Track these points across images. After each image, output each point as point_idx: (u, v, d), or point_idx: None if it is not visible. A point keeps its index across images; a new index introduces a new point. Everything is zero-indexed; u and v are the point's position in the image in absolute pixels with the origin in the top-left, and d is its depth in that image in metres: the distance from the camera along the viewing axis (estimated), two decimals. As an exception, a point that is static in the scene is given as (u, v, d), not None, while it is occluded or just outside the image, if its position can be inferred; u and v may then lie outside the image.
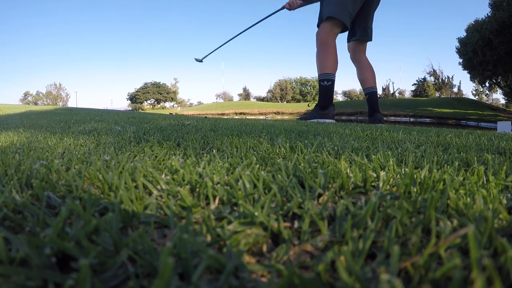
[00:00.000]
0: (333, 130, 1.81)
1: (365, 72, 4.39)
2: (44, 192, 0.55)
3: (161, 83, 69.40)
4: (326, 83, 4.12)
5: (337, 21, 3.95)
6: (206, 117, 4.32)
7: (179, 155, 0.90)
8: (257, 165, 0.70)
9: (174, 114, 8.75)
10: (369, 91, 4.38)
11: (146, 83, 69.26)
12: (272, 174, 0.65)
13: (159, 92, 68.03)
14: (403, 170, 0.72)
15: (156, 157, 0.87)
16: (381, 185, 0.59)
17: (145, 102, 68.19)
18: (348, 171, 0.64)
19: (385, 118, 4.43)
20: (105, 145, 1.15)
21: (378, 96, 4.43)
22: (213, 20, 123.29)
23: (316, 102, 4.29)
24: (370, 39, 4.38)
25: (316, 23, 4.22)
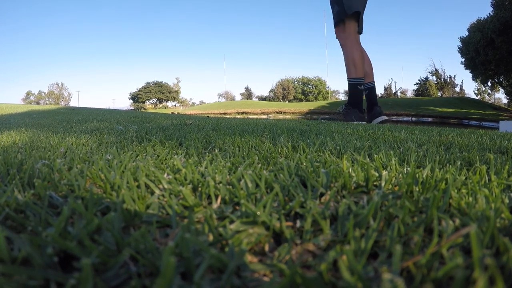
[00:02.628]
0: (335, 129, 1.81)
1: (365, 66, 4.27)
2: (46, 191, 0.55)
3: (163, 82, 69.45)
4: (361, 87, 4.04)
5: (355, 15, 3.88)
6: (208, 116, 4.31)
7: (181, 154, 0.90)
8: (259, 165, 0.70)
9: (176, 113, 8.76)
10: (369, 86, 4.30)
11: (148, 83, 69.30)
12: (274, 173, 0.65)
13: (161, 91, 68.08)
14: (405, 169, 0.72)
15: (158, 156, 0.87)
16: (383, 184, 0.59)
17: (147, 101, 68.24)
18: (350, 170, 0.64)
19: (387, 118, 4.38)
20: (107, 145, 1.15)
21: (380, 95, 4.40)
22: (215, 19, 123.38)
23: (344, 105, 4.22)
24: (361, 32, 4.31)
25: (334, 22, 4.09)
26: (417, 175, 0.61)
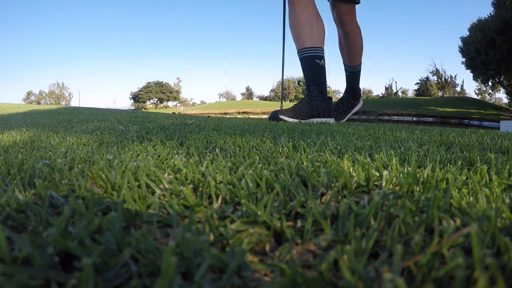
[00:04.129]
0: (336, 129, 1.81)
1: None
2: (47, 191, 0.55)
3: (164, 82, 69.62)
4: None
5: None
6: (209, 116, 4.30)
7: (182, 154, 0.90)
8: (260, 165, 0.70)
9: (177, 113, 8.77)
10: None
11: (149, 82, 69.51)
12: (275, 173, 0.65)
13: (162, 91, 68.25)
14: (406, 169, 0.72)
15: (159, 156, 0.87)
16: (384, 184, 0.58)
17: (148, 101, 68.42)
18: (351, 170, 0.64)
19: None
20: (108, 144, 1.15)
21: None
22: (216, 18, 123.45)
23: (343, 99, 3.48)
24: None
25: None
26: (418, 175, 0.61)
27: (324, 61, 2.94)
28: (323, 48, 2.94)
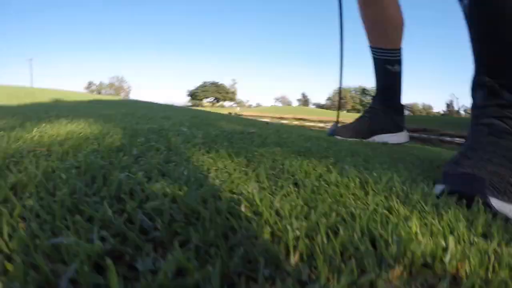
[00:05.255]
0: (397, 156, 1.61)
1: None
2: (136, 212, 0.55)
3: (219, 83, 71.52)
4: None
5: None
6: (267, 123, 4.30)
7: (252, 178, 0.87)
8: (334, 213, 0.65)
9: (233, 114, 8.86)
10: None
11: (205, 82, 71.77)
12: (348, 231, 0.59)
13: (218, 91, 70.03)
14: (472, 238, 0.57)
15: (229, 175, 0.85)
16: (447, 260, 0.47)
17: (204, 99, 70.49)
18: (419, 236, 0.54)
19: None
20: (176, 150, 1.16)
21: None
22: (275, 24, 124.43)
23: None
24: None
25: None
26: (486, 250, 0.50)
27: (400, 65, 2.27)
28: (399, 49, 2.26)
